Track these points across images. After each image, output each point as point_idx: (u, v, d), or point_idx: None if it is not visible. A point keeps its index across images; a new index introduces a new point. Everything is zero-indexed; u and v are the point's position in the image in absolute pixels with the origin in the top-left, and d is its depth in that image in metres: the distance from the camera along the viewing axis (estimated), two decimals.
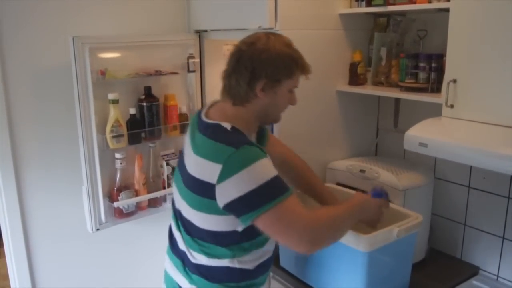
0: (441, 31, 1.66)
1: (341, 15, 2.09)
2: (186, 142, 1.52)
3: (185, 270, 1.55)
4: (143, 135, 2.22)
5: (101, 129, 2.12)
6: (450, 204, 2.09)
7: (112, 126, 2.10)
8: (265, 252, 1.56)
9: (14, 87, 2.09)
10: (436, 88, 1.82)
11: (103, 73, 2.06)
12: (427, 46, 1.97)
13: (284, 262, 1.97)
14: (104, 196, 2.16)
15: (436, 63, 1.82)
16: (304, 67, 1.47)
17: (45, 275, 2.32)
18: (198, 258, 1.51)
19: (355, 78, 2.14)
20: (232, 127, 1.42)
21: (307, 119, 2.10)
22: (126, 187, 2.20)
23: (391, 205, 1.84)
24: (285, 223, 1.34)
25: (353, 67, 2.15)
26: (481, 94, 1.50)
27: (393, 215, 1.77)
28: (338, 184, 2.10)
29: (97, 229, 2.18)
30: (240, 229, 1.43)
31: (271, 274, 2.04)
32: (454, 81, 1.56)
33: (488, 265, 1.98)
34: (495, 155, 1.37)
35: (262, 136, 1.68)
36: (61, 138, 2.25)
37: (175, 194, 1.57)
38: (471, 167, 1.99)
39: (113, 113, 2.10)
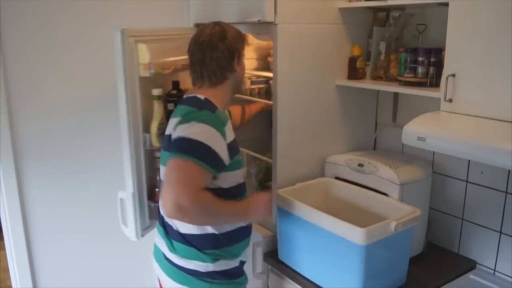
0: (440, 25, 1.66)
1: (341, 9, 2.09)
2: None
3: (167, 237, 1.72)
4: None
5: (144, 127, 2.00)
6: (448, 198, 2.10)
7: (160, 123, 1.97)
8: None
9: (14, 81, 2.10)
10: (435, 82, 1.82)
11: (150, 67, 1.93)
12: (426, 40, 1.97)
13: (282, 255, 1.98)
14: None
15: (435, 57, 1.82)
16: (246, 36, 1.81)
17: (45, 268, 2.33)
18: (176, 224, 1.68)
19: (354, 72, 2.14)
20: (205, 98, 1.68)
21: (306, 113, 2.10)
22: None
23: (390, 199, 1.85)
24: (175, 176, 1.51)
25: (352, 61, 2.15)
26: (479, 88, 1.50)
27: (391, 209, 1.78)
28: (337, 178, 2.11)
29: (142, 236, 2.05)
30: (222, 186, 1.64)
31: (269, 267, 2.05)
32: (453, 75, 1.56)
33: (485, 260, 1.98)
34: (494, 150, 1.37)
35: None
36: (62, 132, 2.26)
37: (161, 167, 1.74)
38: (469, 161, 1.99)
39: (157, 109, 1.98)
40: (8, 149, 2.12)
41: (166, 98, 2.06)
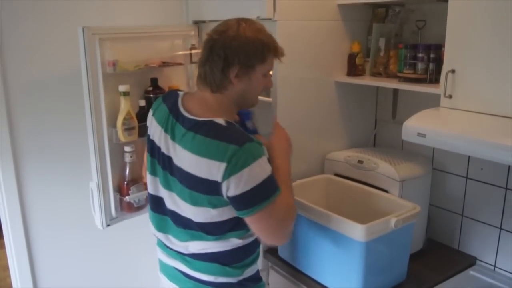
0: (440, 21, 1.66)
1: (340, 5, 2.08)
2: (158, 135, 1.54)
3: (182, 257, 1.58)
4: None
5: (110, 122, 2.03)
6: (448, 194, 2.10)
7: (124, 118, 2.00)
8: None
9: (13, 80, 2.09)
10: (434, 78, 1.82)
11: (113, 64, 1.98)
12: (425, 36, 1.96)
13: (282, 252, 1.98)
14: (113, 191, 2.10)
15: (434, 53, 1.81)
16: (276, 50, 1.49)
17: (45, 266, 2.33)
18: (200, 247, 1.52)
19: (353, 69, 2.14)
20: (226, 122, 1.43)
21: (306, 110, 2.10)
22: (134, 180, 2.13)
23: (390, 195, 1.85)
24: (272, 223, 1.42)
25: (351, 58, 2.14)
26: (479, 84, 1.50)
27: (391, 205, 1.78)
28: (336, 175, 2.11)
29: (108, 225, 2.12)
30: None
31: (269, 264, 2.05)
32: (453, 71, 1.56)
33: (486, 256, 1.99)
34: (494, 145, 1.37)
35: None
36: (61, 131, 2.25)
37: (165, 194, 1.56)
38: (469, 157, 1.99)
39: (124, 105, 2.00)
40: (7, 148, 2.11)
41: (145, 96, 2.15)
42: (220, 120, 1.43)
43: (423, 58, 1.84)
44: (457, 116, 1.56)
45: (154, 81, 2.15)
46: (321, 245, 1.74)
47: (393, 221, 1.60)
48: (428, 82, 1.83)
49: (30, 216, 2.24)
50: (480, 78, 1.50)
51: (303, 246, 1.84)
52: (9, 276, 2.34)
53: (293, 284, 1.93)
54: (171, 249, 1.61)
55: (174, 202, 1.52)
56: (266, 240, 1.50)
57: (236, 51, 1.42)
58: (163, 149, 1.51)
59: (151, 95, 2.15)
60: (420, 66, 1.86)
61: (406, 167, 1.94)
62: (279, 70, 1.96)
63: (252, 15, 1.94)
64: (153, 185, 1.60)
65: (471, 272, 1.93)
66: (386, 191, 1.89)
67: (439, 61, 1.78)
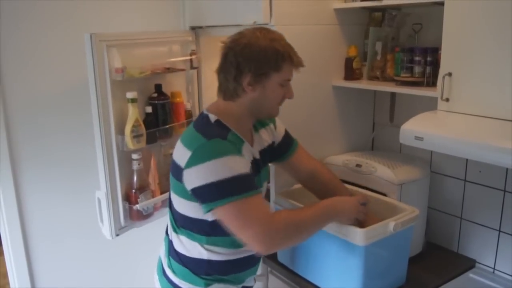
0: (436, 24, 1.66)
1: (336, 10, 2.09)
2: None
3: (168, 253, 1.64)
4: (157, 134, 2.14)
5: (118, 130, 2.02)
6: (447, 197, 2.10)
7: (133, 126, 1.99)
8: (239, 251, 1.57)
9: (11, 86, 2.09)
10: (431, 82, 1.82)
11: (122, 71, 1.95)
12: (422, 40, 1.97)
13: (281, 257, 1.98)
14: (122, 200, 2.08)
15: (431, 57, 1.82)
16: (292, 60, 1.49)
17: (44, 273, 2.32)
18: (175, 242, 1.60)
19: (350, 73, 2.14)
20: (216, 120, 1.49)
21: (303, 114, 2.10)
22: (142, 188, 2.10)
23: (388, 199, 1.85)
24: (242, 220, 1.38)
25: (348, 62, 2.15)
26: (476, 87, 1.51)
27: (390, 209, 1.78)
28: None
29: (117, 235, 2.08)
30: (209, 219, 1.48)
31: (269, 269, 2.04)
32: (450, 74, 1.56)
33: (485, 258, 1.98)
34: (491, 148, 1.37)
35: (289, 147, 1.76)
36: (59, 137, 2.25)
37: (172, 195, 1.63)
38: (467, 160, 1.99)
39: (132, 112, 1.99)
40: (6, 154, 2.11)
41: (150, 102, 2.14)
42: (212, 116, 1.50)
43: (420, 61, 1.85)
44: (455, 119, 1.56)
45: (158, 87, 2.15)
46: (320, 250, 1.74)
47: (391, 224, 1.60)
48: (425, 85, 1.84)
49: (28, 222, 2.23)
50: (477, 80, 1.50)
51: (302, 251, 1.84)
52: (8, 283, 2.33)
53: None
54: (164, 239, 1.72)
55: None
56: (241, 239, 1.42)
57: (248, 59, 1.43)
58: None
59: (156, 101, 2.14)
60: (417, 69, 1.86)
61: (404, 170, 1.94)
62: None
63: (248, 20, 1.94)
64: None
65: (470, 275, 1.93)
66: (384, 194, 1.89)
67: (436, 64, 1.79)
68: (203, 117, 1.52)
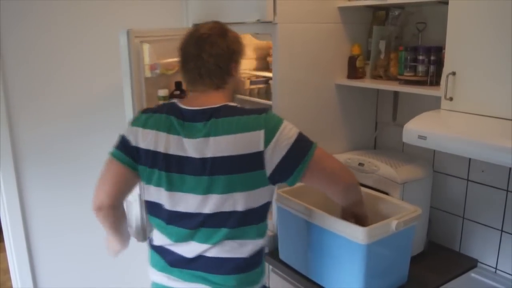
0: (440, 23, 1.66)
1: (340, 8, 2.08)
2: (157, 142, 1.48)
3: (195, 275, 1.51)
4: None
5: None
6: (449, 197, 2.10)
7: None
8: None
9: (13, 83, 2.09)
10: (435, 81, 1.82)
11: (155, 68, 1.93)
12: (426, 39, 1.96)
13: (283, 255, 1.98)
14: None
15: (435, 56, 1.81)
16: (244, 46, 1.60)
17: (45, 270, 2.33)
18: (236, 251, 1.49)
19: (354, 71, 2.14)
20: (238, 105, 1.51)
21: (306, 112, 2.09)
22: None
23: (391, 198, 1.84)
24: (330, 162, 1.54)
25: (352, 60, 2.14)
26: (480, 86, 1.50)
27: (392, 208, 1.78)
28: None
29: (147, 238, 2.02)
30: (271, 199, 1.52)
31: (271, 267, 2.05)
32: (453, 73, 1.56)
33: (487, 258, 1.98)
34: (495, 148, 1.37)
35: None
36: (61, 134, 2.25)
37: (183, 201, 1.49)
38: (469, 160, 1.99)
39: None
40: (8, 151, 2.12)
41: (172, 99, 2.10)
42: (232, 104, 1.50)
43: (424, 60, 1.84)
44: (458, 118, 1.56)
45: (178, 85, 2.13)
46: (322, 248, 1.74)
47: (394, 223, 1.60)
48: (428, 84, 1.83)
49: (30, 219, 2.24)
50: (481, 80, 1.50)
51: (304, 249, 1.84)
52: (9, 279, 2.34)
53: (293, 287, 1.92)
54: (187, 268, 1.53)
55: (197, 204, 1.47)
56: (337, 186, 1.56)
57: (233, 43, 1.52)
58: (173, 151, 1.47)
59: (176, 92, 2.14)
60: (420, 68, 1.86)
61: (407, 169, 1.93)
62: (279, 73, 1.97)
63: (252, 18, 1.94)
64: (181, 202, 1.51)
65: (472, 274, 1.92)
66: (387, 193, 1.89)
67: (439, 64, 1.78)
68: (224, 107, 1.47)
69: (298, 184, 1.98)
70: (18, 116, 2.13)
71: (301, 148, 1.44)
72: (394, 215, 1.67)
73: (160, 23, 2.43)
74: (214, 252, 1.48)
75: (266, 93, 2.48)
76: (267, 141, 1.40)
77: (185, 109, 1.49)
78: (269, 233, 2.08)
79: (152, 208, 1.57)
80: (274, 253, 2.04)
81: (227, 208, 1.44)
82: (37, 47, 2.13)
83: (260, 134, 1.39)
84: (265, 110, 1.46)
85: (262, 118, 1.42)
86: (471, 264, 1.99)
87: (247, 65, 2.69)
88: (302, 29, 1.99)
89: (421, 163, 2.02)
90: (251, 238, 1.51)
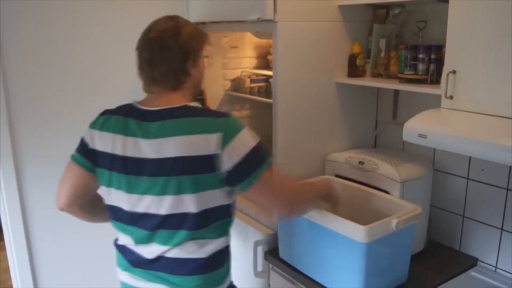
0: (441, 22, 1.66)
1: (340, 6, 2.08)
2: (114, 145, 1.47)
3: (157, 276, 1.51)
4: None
5: None
6: (449, 195, 2.10)
7: None
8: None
9: (14, 82, 2.09)
10: (435, 79, 1.82)
11: None
12: (426, 37, 1.96)
13: (283, 254, 1.98)
14: None
15: (435, 54, 1.81)
16: (207, 35, 1.59)
17: (46, 268, 2.33)
18: (196, 252, 1.48)
19: (354, 70, 2.14)
20: (200, 106, 1.50)
21: (306, 111, 2.09)
22: None
23: (391, 196, 1.84)
24: (277, 181, 1.50)
25: (352, 59, 2.14)
26: (480, 85, 1.50)
27: (392, 206, 1.78)
28: (337, 176, 2.10)
29: None
30: (231, 201, 1.51)
31: (270, 265, 2.05)
32: (454, 72, 1.56)
33: (487, 257, 1.98)
34: (495, 146, 1.37)
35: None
36: (62, 133, 2.25)
37: (141, 202, 1.47)
38: (470, 158, 1.99)
39: None
40: (8, 150, 2.11)
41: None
42: (194, 104, 1.49)
43: (424, 59, 1.84)
44: (458, 117, 1.55)
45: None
46: (322, 247, 1.74)
47: (394, 222, 1.60)
48: (429, 83, 1.83)
49: (30, 218, 2.24)
50: (481, 78, 1.50)
51: (304, 248, 1.84)
52: (10, 278, 2.34)
53: (294, 286, 1.92)
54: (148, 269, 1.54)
55: (149, 204, 1.46)
56: (276, 207, 1.59)
57: (187, 43, 1.47)
58: (130, 154, 1.45)
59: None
60: (420, 67, 1.86)
61: (407, 168, 1.93)
62: (280, 72, 1.96)
63: (252, 16, 1.94)
64: (133, 203, 1.51)
65: (472, 273, 1.92)
66: (387, 192, 1.89)
67: (440, 62, 1.78)
68: (184, 107, 1.46)
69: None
70: (19, 115, 2.13)
71: (257, 158, 1.42)
72: (394, 213, 1.67)
73: None
74: (174, 253, 1.48)
75: (266, 92, 2.48)
76: (223, 144, 1.38)
77: (143, 109, 1.48)
78: (269, 231, 2.09)
79: (113, 212, 1.57)
80: (274, 252, 2.04)
81: (180, 209, 1.43)
82: (38, 46, 2.13)
83: (215, 137, 1.38)
84: (226, 114, 1.45)
85: (220, 121, 1.41)
86: (471, 262, 1.99)
87: (247, 63, 2.69)
88: (302, 28, 1.99)
89: (421, 162, 2.02)
90: (212, 238, 1.49)
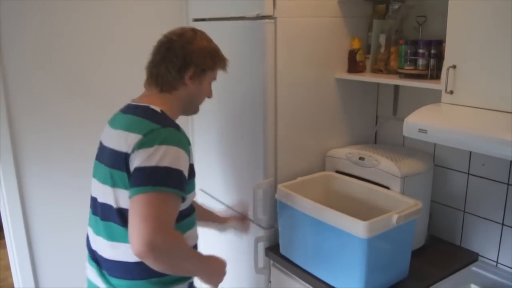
0: (440, 17, 1.65)
1: (340, 2, 2.07)
2: (105, 133, 1.57)
3: (102, 274, 1.51)
4: None
5: None
6: (450, 191, 2.09)
7: None
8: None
9: (14, 80, 2.09)
10: (435, 74, 1.81)
11: None
12: (426, 32, 1.96)
13: (284, 250, 1.98)
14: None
15: (435, 49, 1.81)
16: (224, 61, 1.61)
17: (47, 266, 2.33)
18: (118, 253, 1.46)
19: (354, 65, 2.13)
20: (161, 110, 1.49)
21: (306, 107, 2.09)
22: None
23: (391, 192, 1.84)
24: (146, 212, 1.29)
25: (352, 54, 2.14)
26: (481, 79, 1.50)
27: (393, 202, 1.78)
28: (338, 172, 2.10)
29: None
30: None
31: (271, 262, 2.05)
32: (454, 67, 1.55)
33: (488, 252, 1.98)
34: (495, 141, 1.36)
35: None
36: (62, 132, 2.25)
37: (96, 188, 1.55)
38: (470, 153, 1.98)
39: None
40: (8, 148, 2.11)
41: None
42: (156, 107, 1.49)
43: (424, 54, 1.84)
44: (459, 111, 1.55)
45: None
46: (323, 243, 1.74)
47: (394, 217, 1.60)
48: (429, 78, 1.83)
49: (31, 215, 2.24)
50: (481, 73, 1.49)
51: (304, 243, 1.84)
52: (10, 276, 2.34)
53: (294, 282, 1.92)
54: (93, 260, 1.56)
55: (97, 191, 1.54)
56: (130, 230, 1.31)
57: (194, 53, 1.51)
58: (103, 141, 1.56)
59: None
60: (421, 62, 1.85)
61: (408, 163, 1.93)
62: (279, 67, 1.96)
63: (252, 12, 1.93)
64: (94, 189, 1.58)
65: (473, 268, 1.92)
66: (387, 187, 1.88)
67: (440, 57, 1.78)
68: (145, 108, 1.48)
69: (299, 178, 2.00)
70: (19, 114, 2.13)
71: (147, 177, 1.32)
72: (395, 209, 1.67)
73: (158, 18, 2.42)
74: (110, 253, 1.49)
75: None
76: (136, 147, 1.36)
77: (129, 104, 1.57)
78: (269, 227, 2.09)
79: (92, 204, 1.61)
80: (275, 248, 2.04)
81: (107, 200, 1.46)
82: (38, 44, 2.13)
83: (135, 138, 1.38)
84: (170, 125, 1.42)
85: (152, 126, 1.40)
86: (472, 257, 1.99)
87: None
88: (302, 23, 1.98)
89: (422, 157, 2.02)
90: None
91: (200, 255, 1.54)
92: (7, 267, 2.39)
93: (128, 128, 1.43)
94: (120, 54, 2.36)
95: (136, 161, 1.35)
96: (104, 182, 1.47)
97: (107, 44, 2.32)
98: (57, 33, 2.16)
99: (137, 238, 1.26)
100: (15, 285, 2.30)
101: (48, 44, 2.15)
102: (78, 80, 2.27)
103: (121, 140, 1.42)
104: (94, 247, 1.56)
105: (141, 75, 2.24)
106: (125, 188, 1.39)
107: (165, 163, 1.33)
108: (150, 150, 1.34)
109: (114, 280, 1.48)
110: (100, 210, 1.51)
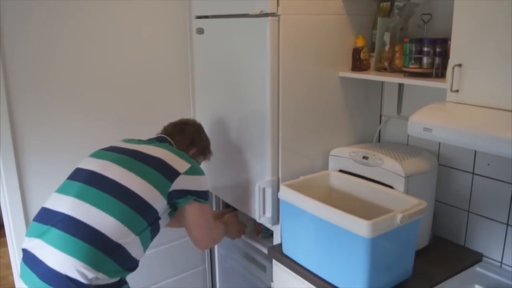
0: (446, 15, 1.64)
1: None
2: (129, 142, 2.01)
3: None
4: None
5: None
6: (454, 190, 2.08)
7: None
8: None
9: (14, 76, 2.08)
10: (440, 73, 1.80)
11: None
12: (431, 30, 1.94)
13: (286, 249, 1.97)
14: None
15: (440, 47, 1.79)
16: (211, 153, 2.24)
17: None
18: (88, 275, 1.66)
19: (358, 63, 2.12)
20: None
21: (310, 105, 2.08)
22: None
23: (395, 191, 1.83)
24: (206, 218, 1.95)
25: (356, 52, 2.12)
26: (487, 78, 1.48)
27: (396, 201, 1.77)
28: (341, 171, 2.09)
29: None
30: (162, 211, 1.82)
31: (274, 261, 2.04)
32: (459, 65, 1.54)
33: (492, 252, 1.97)
34: (501, 140, 1.35)
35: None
36: (63, 128, 2.24)
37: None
38: (475, 153, 1.97)
39: None
40: (9, 145, 2.11)
41: None
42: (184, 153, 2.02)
43: (429, 52, 1.82)
44: (464, 110, 1.54)
45: None
46: (326, 242, 1.73)
47: (398, 217, 1.59)
48: (434, 76, 1.81)
49: (32, 214, 2.23)
50: (487, 71, 1.48)
51: (307, 243, 1.83)
52: (11, 274, 2.34)
53: (297, 281, 1.91)
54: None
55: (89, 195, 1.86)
56: (195, 232, 1.96)
57: (200, 139, 2.14)
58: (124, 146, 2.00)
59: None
60: (425, 60, 1.84)
61: (412, 162, 1.92)
62: (283, 65, 1.95)
63: (255, 9, 1.92)
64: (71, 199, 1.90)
65: (477, 268, 1.91)
66: (391, 187, 1.87)
67: (445, 55, 1.76)
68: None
69: (302, 177, 1.99)
70: (20, 113, 2.12)
71: (201, 195, 1.91)
72: (399, 208, 1.66)
73: (162, 15, 2.41)
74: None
75: None
76: (188, 172, 1.86)
77: (158, 136, 2.10)
78: (272, 227, 2.09)
79: None
80: (277, 247, 2.03)
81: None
82: (38, 41, 2.12)
83: (186, 165, 1.87)
84: (196, 162, 1.95)
85: (191, 161, 1.91)
86: (476, 258, 1.98)
87: None
88: (305, 21, 1.97)
89: (426, 156, 2.01)
90: None
91: (223, 227, 2.21)
92: (8, 265, 2.38)
93: (177, 155, 1.94)
94: (123, 53, 2.35)
95: (193, 183, 1.89)
96: (127, 167, 1.85)
97: (110, 42, 2.32)
98: (59, 32, 2.16)
99: (206, 239, 2.03)
100: (16, 284, 2.30)
101: (50, 43, 2.14)
102: (80, 79, 2.26)
103: (173, 159, 1.88)
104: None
105: (145, 74, 2.25)
106: (153, 186, 1.80)
107: (207, 187, 1.96)
108: (198, 177, 1.91)
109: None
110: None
